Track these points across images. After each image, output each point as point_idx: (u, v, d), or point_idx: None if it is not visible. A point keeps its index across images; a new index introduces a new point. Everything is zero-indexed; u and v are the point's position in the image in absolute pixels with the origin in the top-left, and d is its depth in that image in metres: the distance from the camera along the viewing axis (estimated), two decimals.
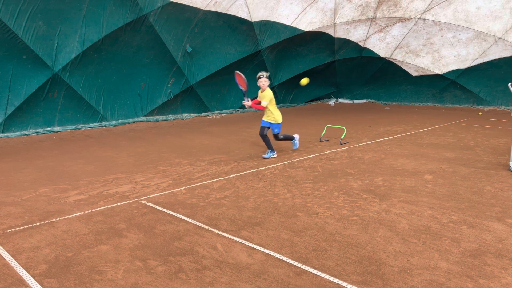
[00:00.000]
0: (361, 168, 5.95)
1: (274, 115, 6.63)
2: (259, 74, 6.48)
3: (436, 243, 3.32)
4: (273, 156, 6.78)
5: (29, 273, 2.91)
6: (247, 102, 6.48)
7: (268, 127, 6.70)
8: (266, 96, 6.49)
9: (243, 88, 6.56)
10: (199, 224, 3.81)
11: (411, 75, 16.26)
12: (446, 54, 14.69)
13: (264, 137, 6.67)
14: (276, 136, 6.78)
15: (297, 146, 7.23)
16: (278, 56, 14.56)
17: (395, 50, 15.48)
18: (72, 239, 3.51)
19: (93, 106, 10.61)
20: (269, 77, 6.55)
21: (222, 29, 12.22)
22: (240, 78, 6.58)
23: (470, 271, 2.85)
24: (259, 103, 6.62)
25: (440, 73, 15.34)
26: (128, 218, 4.01)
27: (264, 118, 6.72)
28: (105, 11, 9.58)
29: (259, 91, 6.64)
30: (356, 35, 14.88)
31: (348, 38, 14.97)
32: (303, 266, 2.95)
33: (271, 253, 3.17)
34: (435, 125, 10.70)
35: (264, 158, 6.74)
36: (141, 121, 11.69)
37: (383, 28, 14.55)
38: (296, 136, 7.19)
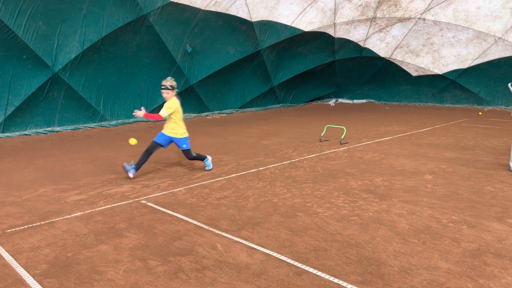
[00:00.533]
0: (361, 168, 5.95)
1: (180, 128, 5.63)
2: (162, 82, 5.53)
3: (436, 243, 3.32)
4: (130, 175, 5.52)
5: (29, 273, 2.90)
6: (139, 112, 5.31)
7: (162, 145, 5.64)
8: (169, 108, 5.46)
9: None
10: (199, 224, 3.81)
11: (411, 75, 16.26)
12: (446, 54, 14.70)
13: (149, 152, 5.58)
14: (187, 154, 5.71)
15: (210, 167, 5.98)
16: (278, 56, 14.56)
17: (395, 50, 15.48)
18: (72, 239, 3.51)
19: (93, 106, 10.61)
20: (173, 86, 5.53)
21: (222, 29, 12.22)
22: None
23: (470, 271, 2.85)
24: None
25: (440, 73, 15.34)
26: (128, 218, 4.01)
27: (165, 131, 5.67)
28: (105, 11, 9.58)
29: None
30: (356, 35, 14.88)
31: (348, 38, 14.97)
32: (303, 266, 2.94)
33: (271, 253, 3.17)
34: (435, 125, 10.70)
35: (126, 172, 5.58)
36: (141, 121, 11.69)
37: (383, 28, 14.55)
38: (209, 157, 6.06)
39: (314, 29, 13.86)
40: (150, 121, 11.93)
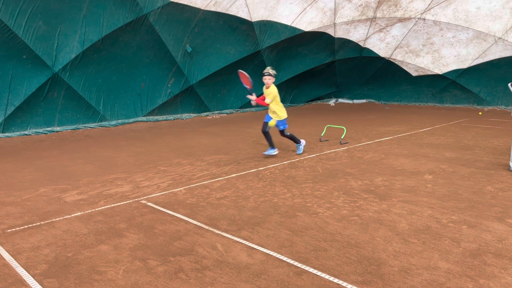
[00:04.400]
0: (361, 168, 5.95)
1: (277, 112, 6.58)
2: (264, 70, 6.48)
3: (436, 243, 3.32)
4: (273, 153, 6.75)
5: (29, 273, 2.91)
6: (252, 96, 6.44)
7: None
8: (270, 94, 6.45)
9: (248, 86, 6.54)
10: (199, 224, 3.81)
11: (411, 75, 16.26)
12: (446, 54, 14.70)
13: (265, 133, 6.64)
14: (282, 133, 6.77)
15: (301, 152, 7.03)
16: (278, 56, 14.56)
17: (395, 50, 15.47)
18: (72, 239, 3.51)
19: (93, 106, 10.61)
20: (274, 74, 6.50)
21: (222, 29, 12.22)
22: (244, 77, 6.57)
23: (470, 271, 2.85)
24: (264, 99, 6.61)
25: (440, 73, 15.34)
26: (128, 218, 4.01)
27: (269, 113, 6.74)
28: (105, 11, 9.58)
29: (264, 87, 6.58)
30: (356, 35, 14.88)
31: (348, 38, 14.97)
32: (303, 266, 2.95)
33: (271, 253, 3.17)
34: (435, 125, 10.70)
35: (264, 154, 6.80)
36: (141, 121, 11.69)
37: (383, 28, 14.55)
38: (303, 142, 7.09)
39: (314, 29, 13.86)
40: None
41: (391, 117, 12.64)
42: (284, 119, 6.66)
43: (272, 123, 6.60)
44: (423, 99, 16.84)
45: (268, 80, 6.43)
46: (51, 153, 7.51)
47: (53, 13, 8.95)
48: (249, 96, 6.48)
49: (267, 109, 6.77)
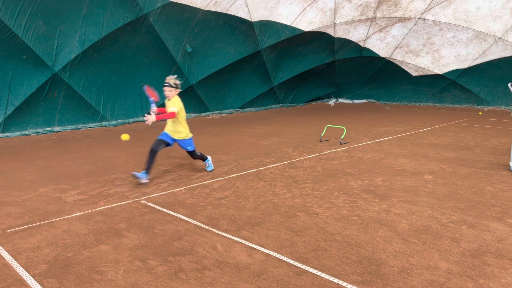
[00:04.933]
0: (361, 168, 5.95)
1: (184, 128, 5.48)
2: (166, 80, 5.33)
3: (436, 243, 3.33)
4: (142, 181, 5.17)
5: (29, 273, 2.91)
6: (150, 117, 5.05)
7: (168, 144, 5.39)
8: (176, 104, 5.27)
9: (152, 98, 5.41)
10: (199, 224, 3.81)
11: (411, 75, 16.26)
12: (446, 54, 14.70)
13: (153, 153, 5.21)
14: (193, 154, 5.65)
15: (211, 168, 5.91)
16: (278, 56, 14.56)
17: (395, 50, 15.48)
18: (72, 239, 3.51)
19: (93, 106, 10.61)
20: (177, 85, 5.35)
21: (222, 29, 12.22)
22: (150, 91, 5.47)
23: (470, 271, 2.85)
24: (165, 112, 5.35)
25: (440, 73, 15.34)
26: (128, 218, 4.01)
27: (168, 132, 5.43)
28: (105, 11, 9.58)
29: (166, 100, 5.41)
30: (356, 35, 14.88)
31: (348, 38, 14.97)
32: (303, 266, 2.95)
33: (271, 253, 3.17)
34: (435, 125, 10.70)
35: (133, 174, 5.17)
36: (141, 121, 11.68)
37: (383, 28, 14.55)
38: (209, 157, 5.98)
39: (314, 29, 13.86)
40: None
41: (391, 117, 12.65)
42: (191, 137, 5.59)
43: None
44: (423, 99, 16.85)
45: (168, 92, 5.28)
46: (51, 153, 7.51)
47: (53, 13, 8.95)
48: (147, 119, 5.05)
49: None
